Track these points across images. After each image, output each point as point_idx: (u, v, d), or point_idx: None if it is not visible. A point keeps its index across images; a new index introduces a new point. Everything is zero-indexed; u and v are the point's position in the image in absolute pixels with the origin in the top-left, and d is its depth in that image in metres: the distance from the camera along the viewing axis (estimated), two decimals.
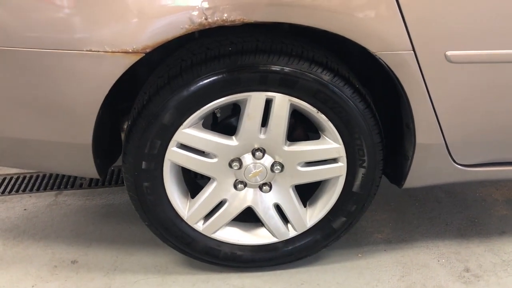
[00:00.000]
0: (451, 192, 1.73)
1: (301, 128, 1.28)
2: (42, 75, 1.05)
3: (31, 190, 1.79)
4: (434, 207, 1.66)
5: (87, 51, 1.01)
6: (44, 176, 1.86)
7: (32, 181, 1.84)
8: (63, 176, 1.85)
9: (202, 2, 0.98)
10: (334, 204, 1.31)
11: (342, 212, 1.31)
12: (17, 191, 1.79)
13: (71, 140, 1.14)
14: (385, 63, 1.08)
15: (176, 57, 1.17)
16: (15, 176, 1.87)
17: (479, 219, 1.60)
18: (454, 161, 1.28)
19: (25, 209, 1.68)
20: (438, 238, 1.51)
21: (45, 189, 1.79)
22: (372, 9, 1.02)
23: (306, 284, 1.35)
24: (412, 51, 1.06)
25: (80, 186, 1.81)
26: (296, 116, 1.26)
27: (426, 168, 1.28)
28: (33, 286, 1.35)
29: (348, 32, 1.03)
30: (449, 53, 1.07)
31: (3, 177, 1.87)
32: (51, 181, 1.83)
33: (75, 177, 1.86)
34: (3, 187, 1.81)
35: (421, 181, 1.32)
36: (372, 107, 1.19)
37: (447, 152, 1.25)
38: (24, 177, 1.86)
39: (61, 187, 1.80)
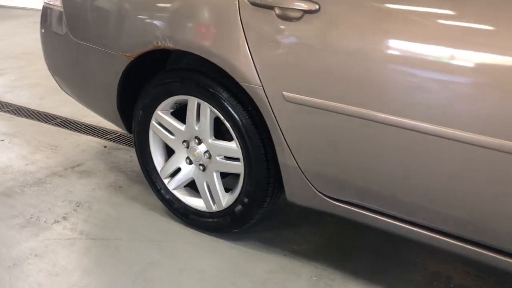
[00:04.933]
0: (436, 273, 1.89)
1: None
2: (97, 61, 2.00)
3: None
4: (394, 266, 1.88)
5: (111, 52, 1.90)
6: None
7: None
8: None
9: (156, 32, 1.74)
10: (238, 194, 1.81)
11: (241, 202, 1.81)
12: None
13: (107, 104, 2.05)
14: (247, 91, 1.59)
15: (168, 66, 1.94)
16: None
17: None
18: (316, 189, 1.62)
19: (131, 156, 2.69)
20: (340, 271, 1.78)
21: None
22: (231, 47, 1.55)
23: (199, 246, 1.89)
24: (261, 87, 1.55)
25: None
26: None
27: (294, 187, 1.66)
28: (93, 189, 2.32)
29: (225, 66, 1.60)
30: (284, 93, 1.51)
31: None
32: None
33: None
34: (130, 141, 2.87)
35: (296, 199, 1.69)
36: (259, 125, 1.67)
37: (304, 177, 1.61)
38: None
39: None
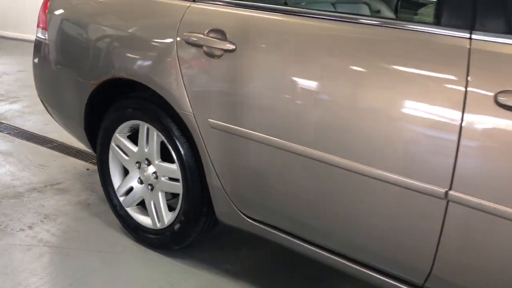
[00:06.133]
0: None
1: None
2: (70, 87, 2.25)
3: None
4: None
5: (80, 79, 2.15)
6: None
7: None
8: None
9: (113, 64, 1.98)
10: (178, 213, 1.99)
11: (179, 220, 1.98)
12: None
13: (78, 126, 2.28)
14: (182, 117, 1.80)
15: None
16: None
17: None
18: (238, 209, 1.78)
19: None
20: None
21: None
22: (169, 78, 1.76)
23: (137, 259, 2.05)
24: (192, 114, 1.75)
25: None
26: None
27: (220, 207, 1.83)
28: (63, 205, 2.53)
29: (165, 95, 1.82)
30: (210, 120, 1.70)
31: None
32: None
33: None
34: None
35: (223, 218, 1.85)
36: (195, 149, 1.86)
37: (228, 197, 1.78)
38: None
39: None
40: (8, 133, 3.70)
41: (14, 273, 1.93)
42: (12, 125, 3.92)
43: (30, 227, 2.29)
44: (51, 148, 3.41)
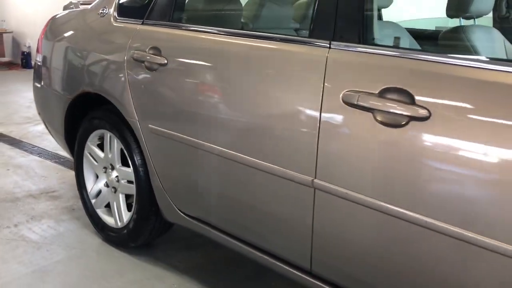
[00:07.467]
0: None
1: None
2: (54, 102, 2.56)
3: None
4: None
5: (60, 94, 2.45)
6: None
7: None
8: None
9: (83, 80, 2.27)
10: (133, 212, 2.21)
11: (134, 219, 2.20)
12: None
13: (59, 134, 2.58)
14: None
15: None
16: None
17: None
18: (176, 207, 1.98)
19: None
20: (200, 284, 2.09)
21: None
22: (120, 90, 2.03)
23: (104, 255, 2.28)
24: (137, 120, 1.99)
25: None
26: None
27: (163, 206, 2.04)
28: (51, 209, 2.81)
29: (117, 105, 2.08)
30: (150, 125, 1.94)
31: None
32: None
33: None
34: None
35: (168, 217, 2.06)
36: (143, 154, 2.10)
37: (167, 197, 1.99)
38: None
39: None
40: (24, 150, 4.08)
41: None
42: (30, 143, 4.31)
43: (15, 225, 2.57)
44: (57, 163, 3.74)
